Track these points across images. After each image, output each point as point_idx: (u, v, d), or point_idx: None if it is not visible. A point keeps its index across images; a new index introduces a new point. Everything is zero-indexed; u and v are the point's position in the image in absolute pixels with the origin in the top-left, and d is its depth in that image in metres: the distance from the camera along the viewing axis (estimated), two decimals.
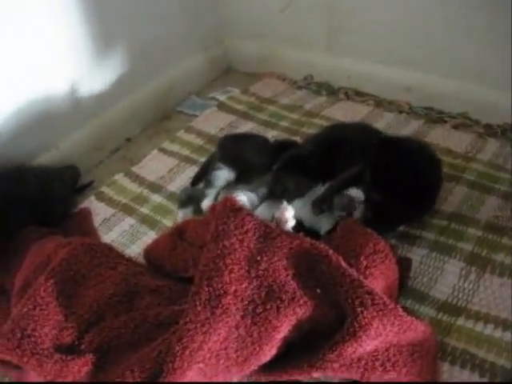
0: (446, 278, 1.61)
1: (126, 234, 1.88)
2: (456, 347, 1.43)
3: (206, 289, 1.32)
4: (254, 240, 1.40)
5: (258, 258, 1.37)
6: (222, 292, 1.31)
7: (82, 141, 2.19)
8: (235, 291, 1.32)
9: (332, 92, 2.47)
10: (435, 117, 2.24)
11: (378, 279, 1.42)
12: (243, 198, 1.60)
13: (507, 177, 1.91)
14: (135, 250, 1.79)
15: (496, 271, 1.61)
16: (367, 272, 1.41)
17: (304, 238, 1.42)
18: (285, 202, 1.55)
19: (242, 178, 1.80)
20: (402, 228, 1.75)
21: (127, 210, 1.97)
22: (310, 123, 2.27)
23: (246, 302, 1.33)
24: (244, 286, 1.34)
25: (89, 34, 2.11)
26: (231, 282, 1.33)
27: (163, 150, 2.22)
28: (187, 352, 1.25)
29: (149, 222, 1.91)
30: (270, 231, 1.42)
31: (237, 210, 1.44)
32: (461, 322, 1.49)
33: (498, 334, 1.45)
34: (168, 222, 1.89)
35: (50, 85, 2.04)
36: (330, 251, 1.38)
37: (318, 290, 1.36)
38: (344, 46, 2.40)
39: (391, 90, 2.31)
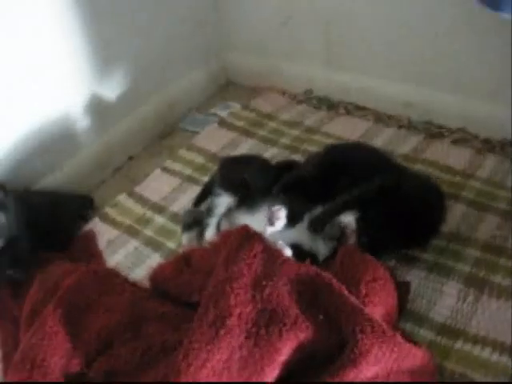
0: (444, 300, 1.63)
1: (131, 257, 1.89)
2: (454, 371, 1.45)
3: (213, 310, 1.37)
4: (261, 265, 1.44)
5: (264, 283, 1.41)
6: (227, 314, 1.36)
7: (85, 161, 2.22)
8: (240, 313, 1.37)
9: (332, 106, 2.48)
10: (434, 131, 2.25)
11: (378, 306, 1.45)
12: (288, 252, 1.59)
13: (506, 195, 1.93)
14: (140, 273, 1.80)
15: (494, 293, 1.62)
16: (367, 300, 1.45)
17: (310, 265, 1.46)
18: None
19: (244, 203, 1.81)
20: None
21: (131, 231, 1.99)
22: (310, 140, 2.29)
23: (250, 324, 1.36)
24: (248, 309, 1.38)
25: (90, 53, 2.13)
26: (236, 304, 1.37)
27: (165, 169, 2.24)
28: (191, 369, 1.29)
29: (153, 244, 1.93)
30: (278, 256, 1.47)
31: (248, 235, 1.50)
32: (459, 345, 1.51)
33: (495, 357, 1.47)
34: (172, 245, 1.91)
35: (53, 106, 2.07)
36: (334, 280, 1.42)
37: (321, 317, 1.40)
38: (344, 60, 2.42)
39: (391, 105, 2.33)
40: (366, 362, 1.30)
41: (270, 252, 1.46)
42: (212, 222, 1.84)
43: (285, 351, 1.34)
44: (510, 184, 1.97)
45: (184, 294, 1.60)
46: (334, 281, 1.42)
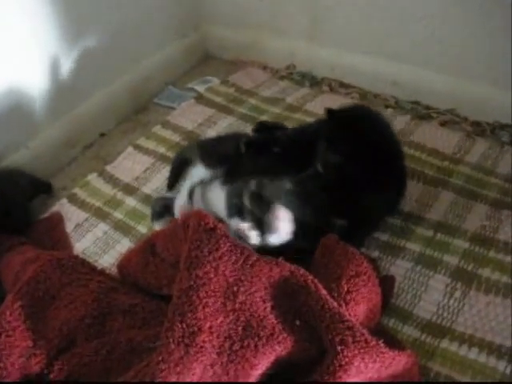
0: (430, 294, 1.54)
1: (99, 242, 1.80)
2: (439, 372, 1.37)
3: (179, 325, 1.24)
4: (229, 266, 1.33)
5: (235, 289, 1.30)
6: (196, 329, 1.24)
7: (53, 138, 2.09)
8: (210, 327, 1.25)
9: (315, 83, 2.39)
10: (422, 112, 2.16)
11: (360, 304, 1.36)
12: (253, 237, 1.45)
13: (496, 182, 1.85)
14: (108, 260, 1.71)
15: (482, 288, 1.54)
16: (348, 297, 1.35)
17: (283, 263, 1.35)
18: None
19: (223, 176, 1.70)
20: (385, 238, 1.69)
21: (100, 214, 1.89)
22: (291, 118, 2.19)
23: (222, 339, 1.26)
24: (219, 320, 1.27)
25: (57, 24, 1.99)
26: (206, 317, 1.26)
27: (138, 147, 2.14)
28: None
29: (122, 228, 1.84)
30: (248, 255, 1.36)
31: (211, 229, 1.36)
32: (445, 344, 1.43)
33: (482, 358, 1.38)
34: (142, 229, 1.82)
35: (17, 79, 1.94)
36: (310, 280, 1.32)
37: (298, 322, 1.30)
38: (328, 35, 2.32)
39: (377, 83, 2.24)
40: (346, 375, 1.20)
41: (238, 251, 1.35)
42: (183, 188, 1.73)
43: (261, 366, 1.24)
44: (501, 170, 1.89)
45: (153, 286, 1.51)
46: (311, 281, 1.32)
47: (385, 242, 1.68)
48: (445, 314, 1.49)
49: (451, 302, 1.52)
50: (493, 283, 1.55)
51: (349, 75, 2.26)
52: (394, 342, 1.37)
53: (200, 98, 2.36)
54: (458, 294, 1.53)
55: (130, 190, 1.97)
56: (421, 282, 1.58)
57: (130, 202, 1.92)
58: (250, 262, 1.34)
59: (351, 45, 2.26)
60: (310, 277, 1.33)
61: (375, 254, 1.64)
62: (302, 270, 1.34)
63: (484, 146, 1.98)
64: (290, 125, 2.08)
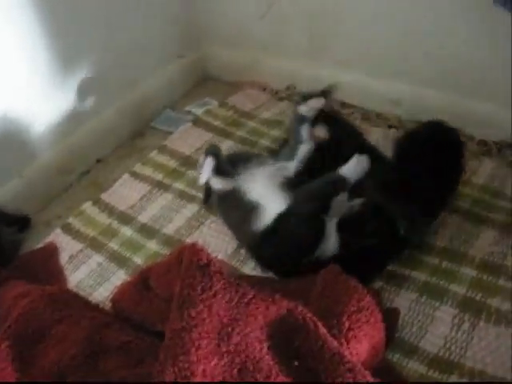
0: (436, 327, 1.48)
1: (94, 274, 1.74)
2: None
3: (171, 369, 1.18)
4: (224, 305, 1.26)
5: (229, 330, 1.24)
6: (189, 373, 1.17)
7: (48, 165, 2.04)
8: (204, 371, 1.18)
9: None
10: None
11: (362, 341, 1.30)
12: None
13: (504, 204, 1.78)
14: (103, 293, 1.66)
15: (491, 319, 1.47)
16: (350, 334, 1.29)
17: (281, 300, 1.28)
18: None
19: None
20: (389, 267, 1.62)
21: (95, 245, 1.83)
22: None
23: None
24: (213, 363, 1.20)
25: (52, 49, 1.95)
26: (199, 360, 1.19)
27: (135, 174, 2.08)
28: None
29: (118, 259, 1.78)
30: (243, 293, 1.29)
31: (205, 265, 1.30)
32: (453, 380, 1.36)
33: None
34: (138, 260, 1.76)
35: (11, 105, 1.89)
36: (308, 318, 1.25)
37: (296, 363, 1.23)
38: (329, 54, 2.26)
39: (379, 103, 2.17)
40: None
41: (233, 289, 1.28)
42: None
43: None
44: (509, 192, 1.82)
45: (146, 321, 1.44)
46: (310, 319, 1.25)
47: (388, 272, 1.61)
48: (453, 348, 1.42)
49: (459, 334, 1.45)
50: (503, 314, 1.47)
51: (350, 95, 2.19)
52: (399, 380, 1.30)
53: (198, 122, 2.30)
54: (466, 325, 1.46)
55: (125, 218, 1.91)
56: (426, 313, 1.51)
57: (126, 231, 1.87)
58: (246, 301, 1.27)
59: (352, 64, 2.20)
60: (309, 314, 1.26)
61: (379, 284, 1.58)
62: (301, 308, 1.27)
63: (490, 165, 1.92)
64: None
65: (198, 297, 1.26)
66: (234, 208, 1.70)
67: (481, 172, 1.90)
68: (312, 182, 1.63)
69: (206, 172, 1.69)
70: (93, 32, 2.07)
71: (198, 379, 1.17)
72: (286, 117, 2.24)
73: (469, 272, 1.59)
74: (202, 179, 1.71)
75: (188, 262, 1.31)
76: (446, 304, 1.52)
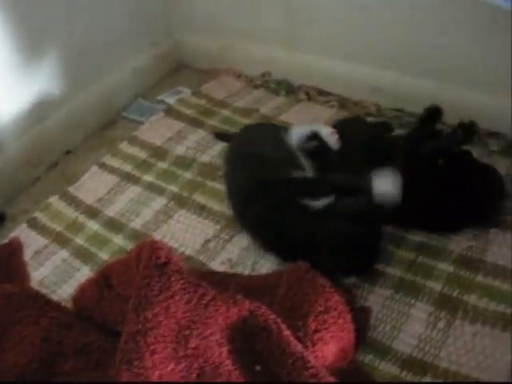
0: (411, 325, 1.41)
1: (58, 271, 1.67)
2: None
3: (125, 374, 1.11)
4: (182, 307, 1.20)
5: (187, 333, 1.17)
6: (144, 379, 1.11)
7: (14, 157, 1.97)
8: (160, 376, 1.12)
9: (291, 91, 2.26)
10: (406, 120, 2.01)
11: (330, 344, 1.23)
12: None
13: None
14: (67, 290, 1.59)
15: (468, 316, 1.41)
16: (316, 337, 1.22)
17: (242, 302, 1.21)
18: None
19: None
20: None
21: (61, 240, 1.77)
22: None
23: None
24: (170, 368, 1.14)
25: (17, 38, 1.88)
26: (155, 365, 1.13)
27: (103, 166, 2.01)
28: None
29: (83, 255, 1.71)
30: (203, 294, 1.22)
31: (163, 264, 1.22)
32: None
33: None
34: (104, 255, 1.69)
35: None
36: (271, 320, 1.18)
37: (258, 367, 1.17)
38: (305, 40, 2.20)
39: (357, 90, 2.11)
40: None
41: (192, 289, 1.21)
42: None
43: None
44: None
45: (108, 321, 1.38)
46: (273, 321, 1.18)
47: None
48: (427, 348, 1.35)
49: (434, 333, 1.38)
50: (480, 311, 1.41)
51: (327, 82, 2.13)
52: (367, 382, 1.23)
53: (170, 111, 2.23)
54: (441, 324, 1.40)
55: (92, 212, 1.85)
56: (401, 311, 1.44)
57: (92, 225, 1.80)
58: (205, 302, 1.21)
59: (330, 50, 2.14)
60: (272, 316, 1.19)
61: (351, 280, 1.50)
62: (263, 309, 1.21)
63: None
64: None
65: (154, 298, 1.19)
66: None
67: None
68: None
69: None
70: (58, 19, 2.01)
71: None
72: (261, 105, 2.16)
73: (446, 267, 1.52)
74: None
75: (146, 261, 1.25)
76: (421, 301, 1.46)
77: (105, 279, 1.43)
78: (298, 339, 1.19)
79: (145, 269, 1.24)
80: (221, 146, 2.00)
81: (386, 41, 1.99)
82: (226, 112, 2.19)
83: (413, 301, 1.46)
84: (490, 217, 1.61)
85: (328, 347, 1.22)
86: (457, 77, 1.92)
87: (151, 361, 1.13)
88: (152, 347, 1.14)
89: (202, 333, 1.18)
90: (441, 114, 1.75)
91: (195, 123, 2.15)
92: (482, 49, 1.81)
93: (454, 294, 1.46)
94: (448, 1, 1.81)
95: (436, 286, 1.48)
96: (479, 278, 1.49)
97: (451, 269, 1.52)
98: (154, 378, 1.12)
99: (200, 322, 1.19)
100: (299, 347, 1.15)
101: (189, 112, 2.21)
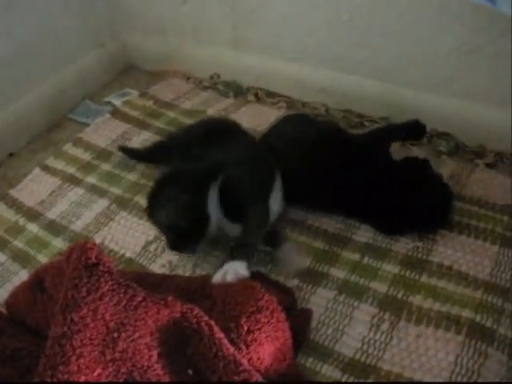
0: (354, 328, 1.37)
1: None
2: None
3: (50, 380, 1.05)
4: (110, 309, 1.14)
5: (115, 336, 1.11)
6: None
7: None
8: (86, 382, 1.06)
9: (240, 93, 2.23)
10: (354, 121, 2.00)
11: (265, 345, 1.19)
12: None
13: None
14: (3, 294, 1.51)
15: (412, 318, 1.38)
16: (249, 338, 1.17)
17: (174, 303, 1.16)
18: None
19: None
20: (306, 263, 1.54)
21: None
22: None
23: None
24: (97, 373, 1.08)
25: None
26: (80, 370, 1.07)
27: (46, 168, 1.95)
28: None
29: (22, 258, 1.65)
30: (133, 295, 1.16)
31: (92, 266, 1.18)
32: None
33: None
34: (43, 259, 1.64)
35: None
36: (204, 322, 1.13)
37: (190, 372, 1.12)
38: (252, 41, 2.16)
39: (305, 91, 2.08)
40: None
41: (122, 290, 1.16)
42: None
43: None
44: None
45: (41, 326, 1.31)
46: (205, 323, 1.13)
47: (305, 269, 1.51)
48: (370, 350, 1.33)
49: (377, 335, 1.35)
50: (424, 312, 1.39)
51: (275, 83, 2.10)
52: None
53: (116, 113, 2.18)
54: (385, 326, 1.37)
55: (33, 215, 1.79)
56: (344, 313, 1.41)
57: (33, 228, 1.75)
58: (135, 303, 1.15)
59: (277, 51, 2.10)
60: (205, 318, 1.14)
61: (294, 282, 1.48)
62: (196, 311, 1.16)
63: (420, 155, 1.78)
64: None
65: (82, 299, 1.14)
66: None
67: None
68: None
69: None
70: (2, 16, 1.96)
71: None
72: (209, 106, 2.13)
73: (391, 268, 1.50)
74: None
75: (76, 262, 1.19)
76: (365, 303, 1.43)
77: (38, 282, 1.37)
78: (232, 342, 1.14)
79: (74, 270, 1.18)
80: None
81: (334, 41, 1.96)
82: (172, 114, 2.16)
83: (356, 303, 1.43)
84: (433, 228, 1.58)
85: (263, 348, 1.18)
86: (404, 77, 1.89)
87: (77, 365, 1.08)
88: (78, 351, 1.09)
89: (131, 335, 1.12)
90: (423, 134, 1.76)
91: (141, 125, 2.11)
92: (430, 48, 1.80)
93: (399, 296, 1.43)
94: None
95: (381, 288, 1.45)
96: (424, 279, 1.46)
97: (397, 270, 1.49)
98: None
99: (129, 325, 1.13)
100: (231, 350, 1.10)
101: (135, 114, 2.16)
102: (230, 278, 1.35)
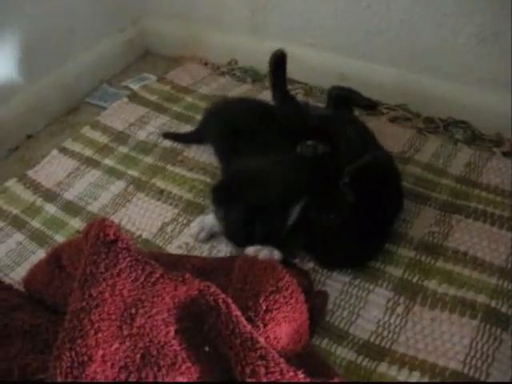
0: (369, 311, 1.38)
1: (13, 254, 1.62)
2: None
3: (68, 354, 1.06)
4: (128, 284, 1.15)
5: (133, 311, 1.13)
6: (87, 358, 1.06)
7: None
8: (103, 356, 1.07)
9: (258, 79, 2.23)
10: None
11: (282, 325, 1.19)
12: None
13: (447, 182, 1.70)
14: (21, 273, 1.52)
15: (427, 302, 1.38)
16: (267, 317, 1.18)
17: (191, 280, 1.17)
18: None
19: None
20: None
21: (17, 223, 1.72)
22: None
23: (117, 369, 1.08)
24: (114, 347, 1.09)
25: None
26: (98, 344, 1.08)
27: (64, 150, 1.96)
28: None
29: (39, 237, 1.66)
30: (150, 272, 1.18)
31: (112, 242, 1.19)
32: (383, 368, 1.26)
33: None
34: (60, 238, 1.64)
35: None
36: (221, 299, 1.14)
37: (207, 348, 1.13)
38: (271, 27, 2.16)
39: (324, 77, 2.06)
40: None
41: (140, 267, 1.17)
42: None
43: None
44: (453, 170, 1.75)
45: (59, 303, 1.33)
46: (222, 300, 1.14)
47: None
48: (385, 333, 1.33)
49: (392, 319, 1.36)
50: (439, 296, 1.39)
51: (293, 69, 2.07)
52: (323, 368, 1.20)
53: (134, 97, 2.18)
54: (400, 309, 1.37)
55: (50, 196, 1.80)
56: (359, 296, 1.41)
57: (50, 209, 1.76)
58: (153, 280, 1.17)
59: (295, 37, 2.10)
60: (222, 295, 1.15)
61: (309, 265, 1.48)
62: (213, 288, 1.16)
63: (436, 143, 1.82)
64: None
65: (101, 275, 1.15)
66: None
67: (425, 149, 1.81)
68: None
69: None
70: (21, 1, 1.96)
71: (96, 365, 1.07)
72: (226, 92, 2.14)
73: (407, 253, 1.50)
74: None
75: (94, 238, 1.21)
76: (380, 286, 1.43)
77: (56, 259, 1.39)
78: (249, 320, 1.15)
79: (92, 246, 1.19)
80: (183, 131, 1.97)
81: (353, 27, 1.97)
82: (190, 98, 2.16)
83: (372, 286, 1.43)
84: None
85: (280, 328, 1.18)
86: (422, 64, 1.89)
87: (95, 339, 1.09)
88: (96, 325, 1.10)
89: (149, 311, 1.14)
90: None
91: (159, 109, 2.11)
92: (448, 34, 1.80)
93: (414, 280, 1.43)
94: None
95: (396, 272, 1.45)
96: (440, 264, 1.46)
97: (412, 254, 1.49)
98: (97, 358, 1.07)
99: (147, 301, 1.14)
100: (248, 328, 1.11)
101: (153, 98, 2.17)
102: (262, 255, 1.36)
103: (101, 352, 1.08)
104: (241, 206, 1.44)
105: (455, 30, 1.78)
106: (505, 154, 1.78)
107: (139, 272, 1.17)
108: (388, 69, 1.94)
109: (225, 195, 1.48)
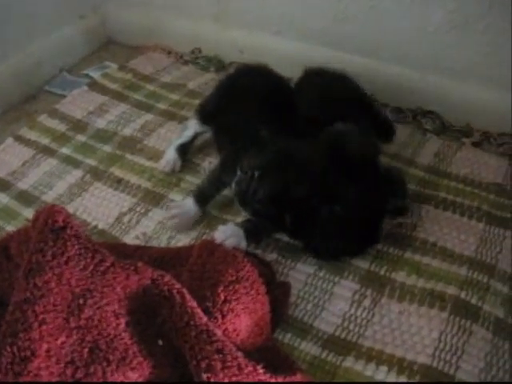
0: (334, 304, 1.33)
1: None
2: None
3: (9, 348, 1.00)
4: (77, 273, 1.08)
5: (81, 302, 1.06)
6: (29, 353, 0.99)
7: None
8: (48, 350, 1.01)
9: (222, 68, 2.17)
10: None
11: (241, 316, 1.14)
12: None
13: (415, 172, 1.66)
14: None
15: (395, 294, 1.33)
16: (226, 308, 1.13)
17: (144, 269, 1.10)
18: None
19: None
20: (286, 238, 1.46)
21: None
22: (190, 105, 1.95)
23: (62, 364, 1.02)
24: (60, 341, 1.02)
25: None
26: (42, 337, 1.01)
27: (19, 139, 1.89)
28: None
29: None
30: (101, 260, 1.10)
31: (60, 229, 1.11)
32: (349, 363, 1.21)
33: (391, 379, 1.17)
34: (12, 229, 1.55)
35: None
36: (176, 289, 1.07)
37: (160, 342, 1.06)
38: (235, 15, 2.10)
39: (289, 66, 1.97)
40: None
41: (89, 255, 1.10)
42: None
43: None
44: (422, 160, 1.71)
45: (7, 295, 1.23)
46: (177, 291, 1.07)
47: (285, 243, 1.45)
48: (351, 327, 1.28)
49: (359, 312, 1.31)
50: (408, 288, 1.34)
51: (259, 58, 2.01)
52: (285, 363, 1.15)
53: (94, 85, 2.11)
54: (367, 302, 1.32)
55: (3, 185, 1.73)
56: (324, 289, 1.36)
57: (2, 199, 1.69)
58: (102, 269, 1.10)
59: (260, 25, 2.05)
60: (177, 285, 1.09)
61: (273, 256, 1.42)
62: (168, 277, 1.10)
63: (404, 133, 1.78)
64: (188, 112, 1.89)
65: (47, 263, 1.08)
66: None
67: (394, 139, 1.73)
68: None
69: None
70: None
71: (40, 360, 1.00)
72: (189, 80, 2.07)
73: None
74: None
75: (42, 225, 1.13)
76: (346, 279, 1.38)
77: (3, 249, 1.31)
78: (206, 311, 1.08)
79: (40, 233, 1.12)
80: (143, 119, 1.92)
81: (319, 14, 1.91)
82: (151, 87, 2.10)
83: (337, 278, 1.38)
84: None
85: (239, 320, 1.13)
86: (390, 53, 1.86)
87: (39, 332, 1.02)
88: (41, 317, 1.03)
89: (98, 302, 1.07)
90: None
91: (119, 97, 2.05)
92: (418, 23, 1.77)
93: (382, 272, 1.39)
94: None
95: (363, 264, 1.41)
96: (408, 255, 1.42)
97: (379, 246, 1.44)
98: (41, 352, 1.00)
99: (96, 291, 1.08)
100: (204, 320, 1.05)
101: (113, 86, 2.10)
102: (229, 243, 1.30)
103: (45, 346, 1.01)
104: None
105: (424, 19, 1.74)
106: (474, 145, 1.75)
107: (88, 260, 1.10)
108: (356, 57, 1.88)
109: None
